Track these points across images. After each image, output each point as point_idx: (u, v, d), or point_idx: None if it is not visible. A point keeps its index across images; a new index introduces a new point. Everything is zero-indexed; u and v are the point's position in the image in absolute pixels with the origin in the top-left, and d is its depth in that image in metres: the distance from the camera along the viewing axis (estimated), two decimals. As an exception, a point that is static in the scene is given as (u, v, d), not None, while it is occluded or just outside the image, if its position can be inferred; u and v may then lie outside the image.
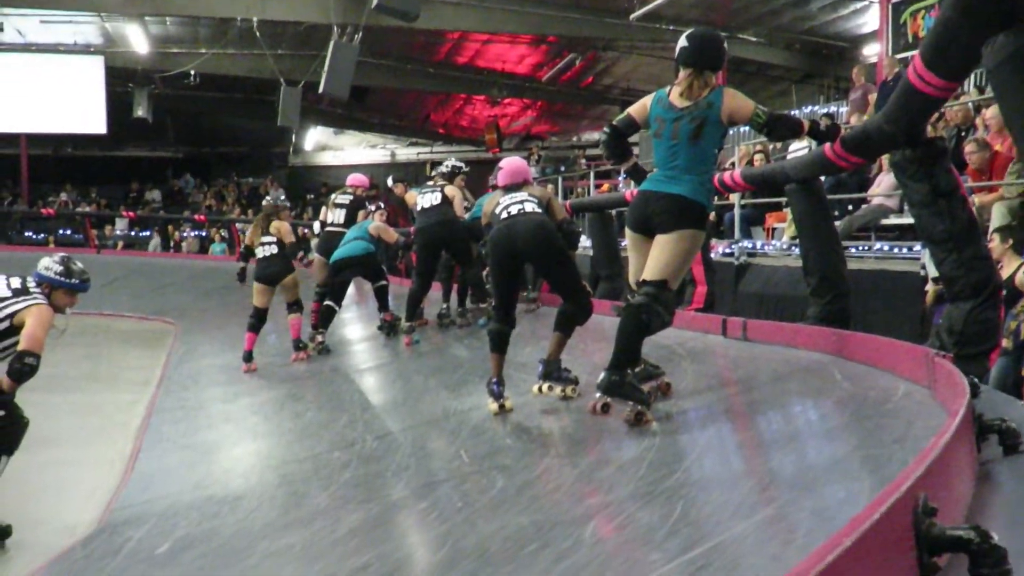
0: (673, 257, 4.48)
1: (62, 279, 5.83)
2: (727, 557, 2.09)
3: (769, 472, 3.12)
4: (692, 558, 2.11)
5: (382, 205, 10.73)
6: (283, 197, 11.66)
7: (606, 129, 4.86)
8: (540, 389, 5.55)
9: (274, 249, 9.20)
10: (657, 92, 4.83)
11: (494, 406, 5.34)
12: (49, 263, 5.89)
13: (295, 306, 9.34)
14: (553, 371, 5.51)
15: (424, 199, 9.10)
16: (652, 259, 4.55)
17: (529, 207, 5.54)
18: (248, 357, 9.16)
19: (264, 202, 10.07)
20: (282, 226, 9.28)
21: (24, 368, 5.37)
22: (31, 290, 5.66)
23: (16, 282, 5.66)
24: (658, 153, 4.68)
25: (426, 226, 9.00)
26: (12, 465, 6.64)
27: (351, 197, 10.78)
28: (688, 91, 4.60)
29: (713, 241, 9.12)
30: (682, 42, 4.78)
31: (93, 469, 6.44)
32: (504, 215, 5.52)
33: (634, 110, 4.87)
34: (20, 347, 5.36)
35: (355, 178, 11.24)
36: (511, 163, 6.07)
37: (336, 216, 10.59)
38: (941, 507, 1.45)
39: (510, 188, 5.83)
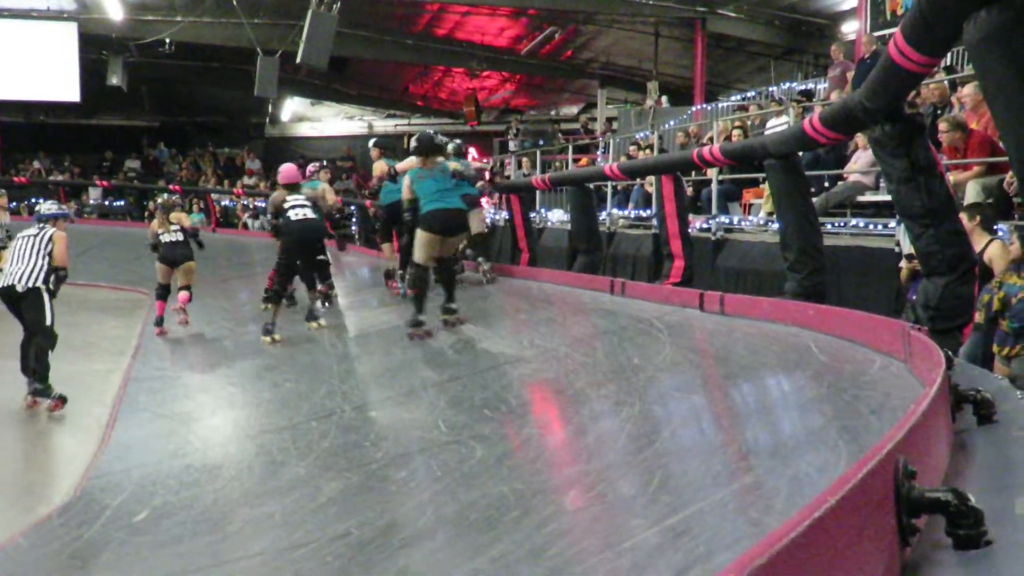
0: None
1: (63, 212, 8.73)
2: (707, 523, 2.12)
3: (747, 442, 3.15)
4: (672, 524, 2.13)
5: (325, 163, 11.95)
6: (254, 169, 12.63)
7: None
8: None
9: (180, 236, 10.67)
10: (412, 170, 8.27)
11: (267, 339, 8.55)
12: (50, 205, 8.81)
13: (187, 288, 10.73)
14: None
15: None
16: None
17: (304, 212, 9.16)
18: (159, 322, 10.44)
19: (162, 199, 12.89)
20: (181, 216, 11.11)
21: (64, 275, 8.07)
22: (44, 226, 8.15)
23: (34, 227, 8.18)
24: (431, 188, 7.82)
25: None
26: (-13, 433, 6.63)
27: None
28: (428, 163, 8.01)
29: (691, 216, 9.15)
30: (414, 142, 8.40)
31: (68, 437, 6.41)
32: (293, 216, 9.10)
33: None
34: (55, 264, 7.90)
35: (313, 166, 12.96)
36: (286, 169, 10.12)
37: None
38: (919, 472, 1.48)
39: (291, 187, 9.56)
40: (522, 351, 6.36)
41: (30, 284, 7.61)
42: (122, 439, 5.92)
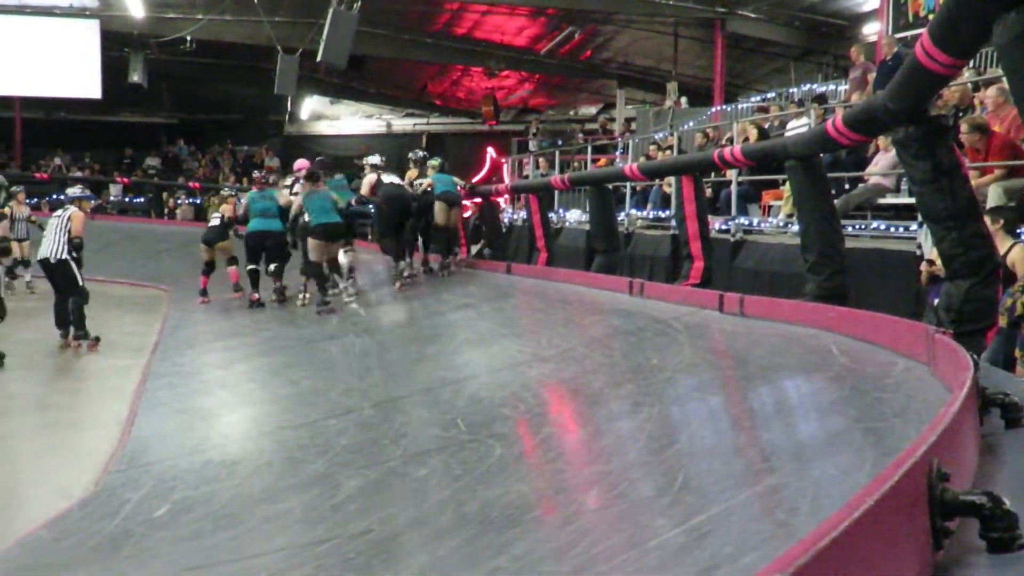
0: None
1: (87, 195, 10.99)
2: (732, 523, 2.11)
3: (769, 443, 3.13)
4: (697, 524, 2.12)
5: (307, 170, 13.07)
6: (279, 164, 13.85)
7: None
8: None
9: (217, 222, 12.78)
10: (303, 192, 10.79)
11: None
12: (75, 189, 11.04)
13: (232, 260, 12.62)
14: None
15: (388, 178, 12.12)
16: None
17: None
18: (203, 292, 12.51)
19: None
20: (226, 207, 13.29)
21: (79, 244, 9.79)
22: (68, 207, 10.06)
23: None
24: (318, 206, 10.61)
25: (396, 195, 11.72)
26: (7, 427, 6.67)
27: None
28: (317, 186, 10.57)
29: (710, 217, 9.12)
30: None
31: (89, 433, 6.42)
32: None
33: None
34: (73, 236, 9.69)
35: (300, 162, 13.64)
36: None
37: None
38: (951, 474, 1.47)
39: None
40: (540, 351, 6.35)
41: (60, 256, 9.64)
42: (142, 434, 5.95)
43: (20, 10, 20.86)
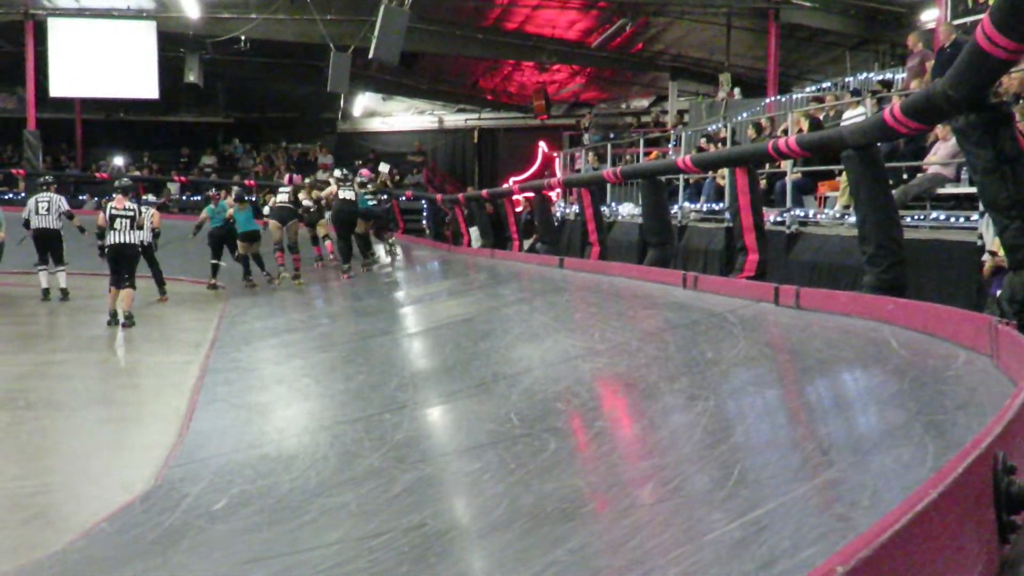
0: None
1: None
2: (790, 518, 2.08)
3: (827, 437, 3.08)
4: (755, 518, 2.10)
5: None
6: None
7: None
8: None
9: (286, 202, 15.73)
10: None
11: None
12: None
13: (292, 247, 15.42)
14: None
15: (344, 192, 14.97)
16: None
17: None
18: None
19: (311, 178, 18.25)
20: (303, 194, 16.37)
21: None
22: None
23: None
24: (244, 219, 14.92)
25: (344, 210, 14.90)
26: (70, 422, 6.82)
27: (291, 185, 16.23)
28: (242, 206, 14.29)
29: (764, 209, 9.01)
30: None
31: (149, 427, 6.54)
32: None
33: None
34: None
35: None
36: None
37: (282, 196, 15.81)
38: (1018, 467, 1.43)
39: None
40: (593, 345, 6.32)
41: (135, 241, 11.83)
42: (201, 429, 6.04)
43: (80, 13, 21.28)
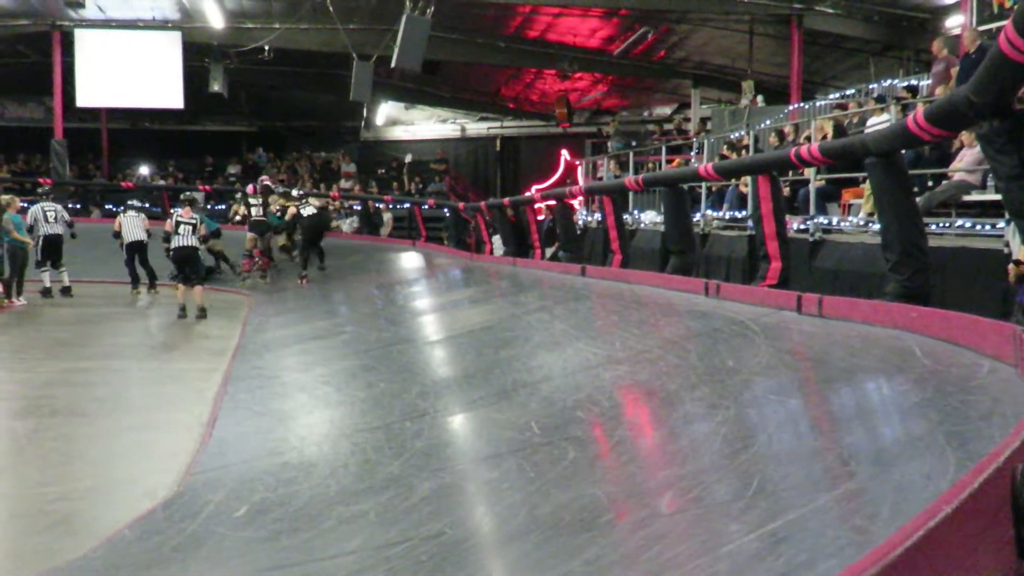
0: None
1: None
2: (808, 529, 2.06)
3: (848, 447, 3.05)
4: (773, 530, 2.08)
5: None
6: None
7: None
8: None
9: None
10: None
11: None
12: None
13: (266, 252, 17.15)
14: None
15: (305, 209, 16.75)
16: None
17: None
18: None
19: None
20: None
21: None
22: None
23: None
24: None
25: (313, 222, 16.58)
26: (94, 429, 6.86)
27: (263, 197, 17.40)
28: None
29: (787, 217, 8.97)
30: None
31: (171, 434, 6.57)
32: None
33: None
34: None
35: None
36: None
37: (257, 210, 17.14)
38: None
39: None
40: (614, 353, 6.30)
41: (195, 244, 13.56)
42: (222, 436, 6.07)
43: (106, 24, 21.50)
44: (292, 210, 16.84)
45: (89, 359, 9.89)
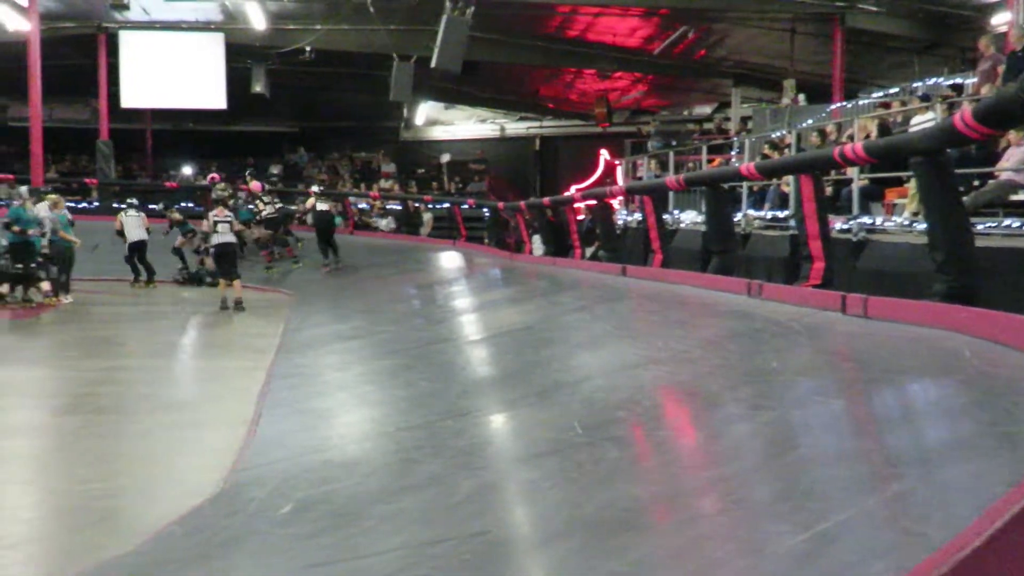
0: None
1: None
2: (857, 530, 2.04)
3: (895, 448, 3.02)
4: (823, 531, 2.06)
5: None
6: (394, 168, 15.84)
7: None
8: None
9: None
10: None
11: None
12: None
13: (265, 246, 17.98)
14: None
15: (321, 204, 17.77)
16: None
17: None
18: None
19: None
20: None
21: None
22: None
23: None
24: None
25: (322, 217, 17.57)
26: (138, 426, 6.95)
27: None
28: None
29: (830, 216, 8.86)
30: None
31: (215, 431, 6.63)
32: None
33: None
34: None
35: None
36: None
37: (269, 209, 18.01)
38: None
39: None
40: (655, 353, 6.28)
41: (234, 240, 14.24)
42: (266, 434, 6.11)
43: (150, 25, 21.76)
44: (310, 202, 18.01)
45: (132, 357, 10.02)
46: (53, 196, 15.34)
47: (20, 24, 19.04)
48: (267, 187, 19.73)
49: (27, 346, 11.37)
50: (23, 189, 16.20)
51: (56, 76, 20.50)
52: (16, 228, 13.52)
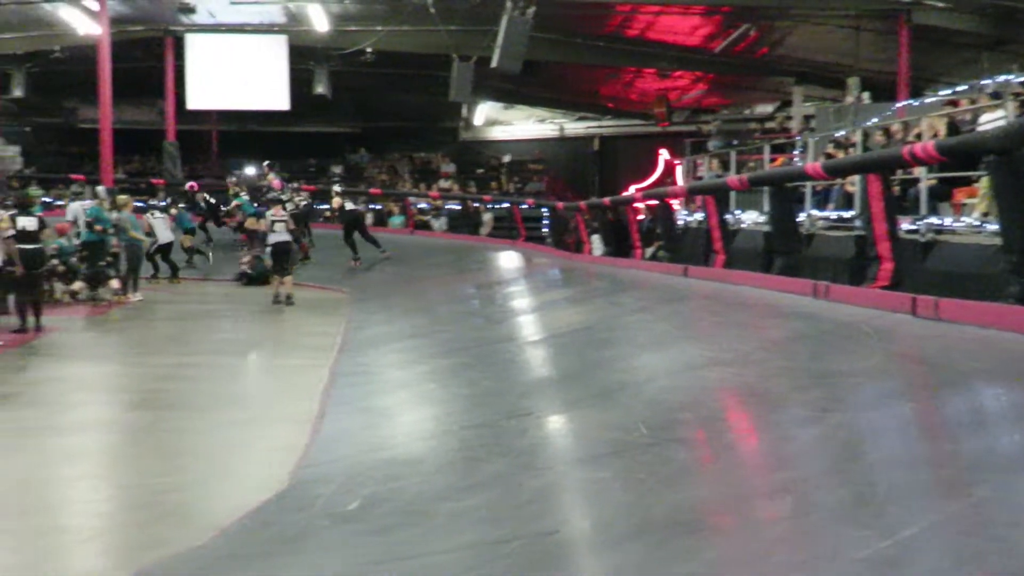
0: None
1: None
2: (941, 537, 2.00)
3: (972, 453, 2.96)
4: (904, 537, 2.02)
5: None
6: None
7: None
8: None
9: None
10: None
11: None
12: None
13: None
14: None
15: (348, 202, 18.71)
16: None
17: None
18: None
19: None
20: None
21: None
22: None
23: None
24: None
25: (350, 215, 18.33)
26: (206, 422, 7.07)
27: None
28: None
29: (898, 217, 8.71)
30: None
31: (279, 428, 6.69)
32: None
33: None
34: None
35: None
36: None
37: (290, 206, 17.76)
38: None
39: None
40: (719, 354, 6.22)
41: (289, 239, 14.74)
42: (330, 431, 6.16)
43: (216, 28, 22.12)
44: (337, 201, 18.65)
45: (197, 354, 10.18)
46: (123, 197, 15.69)
47: (91, 28, 19.47)
48: (292, 184, 20.24)
49: (98, 343, 11.62)
50: (100, 189, 16.50)
51: (124, 79, 20.92)
52: (99, 227, 13.89)
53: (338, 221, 18.71)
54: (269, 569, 3.72)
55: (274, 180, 19.46)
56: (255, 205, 18.35)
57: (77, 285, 13.89)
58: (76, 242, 14.33)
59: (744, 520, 2.78)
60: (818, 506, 2.69)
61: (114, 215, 14.46)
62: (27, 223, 11.13)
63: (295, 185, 20.57)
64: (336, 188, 19.76)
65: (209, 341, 11.30)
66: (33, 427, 6.83)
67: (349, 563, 3.55)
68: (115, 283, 14.06)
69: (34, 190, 17.10)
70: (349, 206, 18.58)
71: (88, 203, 15.41)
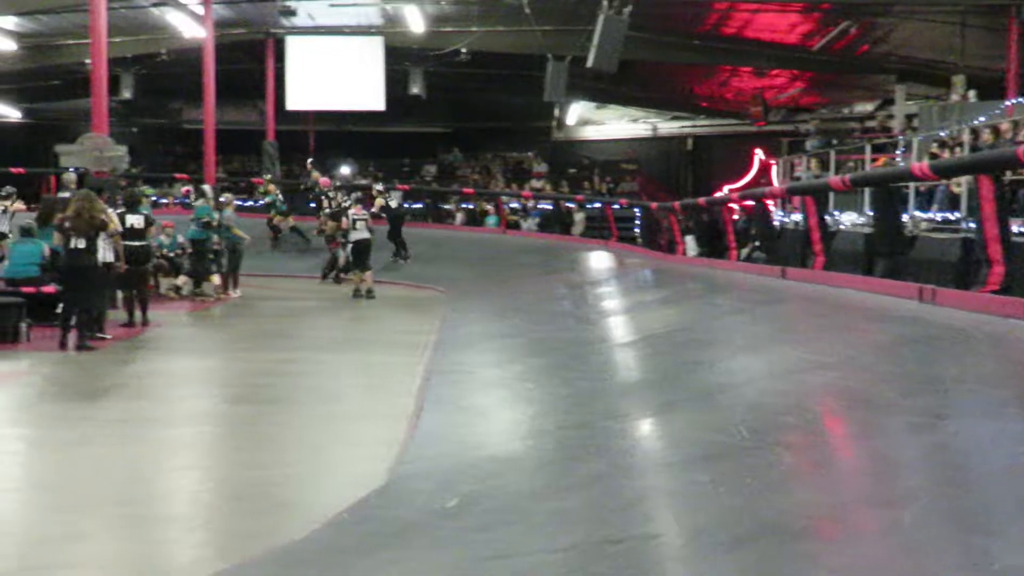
0: None
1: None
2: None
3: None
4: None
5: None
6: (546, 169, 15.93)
7: None
8: None
9: None
10: None
11: None
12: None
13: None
14: None
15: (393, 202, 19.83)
16: None
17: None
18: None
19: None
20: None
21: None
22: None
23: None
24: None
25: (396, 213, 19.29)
26: (306, 417, 7.19)
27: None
28: None
29: (1010, 219, 8.41)
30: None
31: (377, 424, 6.76)
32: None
33: None
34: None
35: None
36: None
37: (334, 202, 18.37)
38: None
39: None
40: (822, 358, 6.07)
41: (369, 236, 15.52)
42: (428, 429, 6.19)
43: (315, 31, 22.56)
44: (380, 201, 18.77)
45: (296, 350, 10.37)
46: (228, 195, 16.14)
47: (196, 31, 20.02)
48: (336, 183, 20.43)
49: (201, 338, 11.96)
50: (206, 188, 16.94)
51: (227, 81, 21.48)
52: (213, 222, 14.34)
53: (385, 219, 18.82)
54: (373, 564, 3.75)
55: (320, 178, 19.75)
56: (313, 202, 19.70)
57: (181, 280, 14.33)
58: (180, 239, 14.79)
59: (865, 526, 2.70)
60: (947, 514, 2.60)
61: (216, 215, 14.84)
62: (134, 221, 11.49)
63: (382, 186, 20.60)
64: (377, 187, 19.87)
65: (304, 338, 11.52)
66: (140, 418, 7.05)
67: (455, 558, 3.56)
68: (216, 279, 14.43)
69: (146, 188, 17.68)
70: (393, 204, 19.51)
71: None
